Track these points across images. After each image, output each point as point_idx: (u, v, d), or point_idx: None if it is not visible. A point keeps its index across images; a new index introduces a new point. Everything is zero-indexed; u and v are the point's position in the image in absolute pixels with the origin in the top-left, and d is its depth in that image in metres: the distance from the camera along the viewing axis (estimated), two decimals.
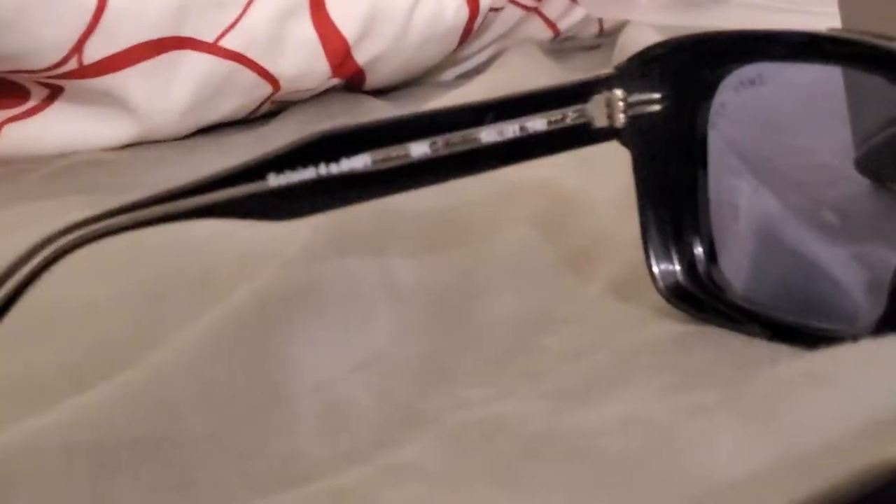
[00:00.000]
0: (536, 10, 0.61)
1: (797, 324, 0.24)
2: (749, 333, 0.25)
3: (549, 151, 0.26)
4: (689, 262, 0.26)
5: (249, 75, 0.50)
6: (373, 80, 0.56)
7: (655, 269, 0.26)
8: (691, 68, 0.25)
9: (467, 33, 0.57)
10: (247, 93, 0.51)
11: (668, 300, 0.26)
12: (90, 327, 0.27)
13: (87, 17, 0.45)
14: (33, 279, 0.21)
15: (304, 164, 0.23)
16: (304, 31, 0.51)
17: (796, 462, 0.18)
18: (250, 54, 0.49)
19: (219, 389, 0.24)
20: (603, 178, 0.36)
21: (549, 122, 0.25)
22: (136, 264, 0.30)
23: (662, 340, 0.25)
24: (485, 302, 0.29)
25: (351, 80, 0.55)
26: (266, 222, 0.31)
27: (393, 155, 0.24)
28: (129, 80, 0.47)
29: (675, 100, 0.25)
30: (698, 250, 0.26)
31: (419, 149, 0.24)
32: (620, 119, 0.26)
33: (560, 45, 0.64)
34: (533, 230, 0.32)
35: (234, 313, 0.26)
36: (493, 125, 0.25)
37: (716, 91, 0.25)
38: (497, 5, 0.58)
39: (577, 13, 0.63)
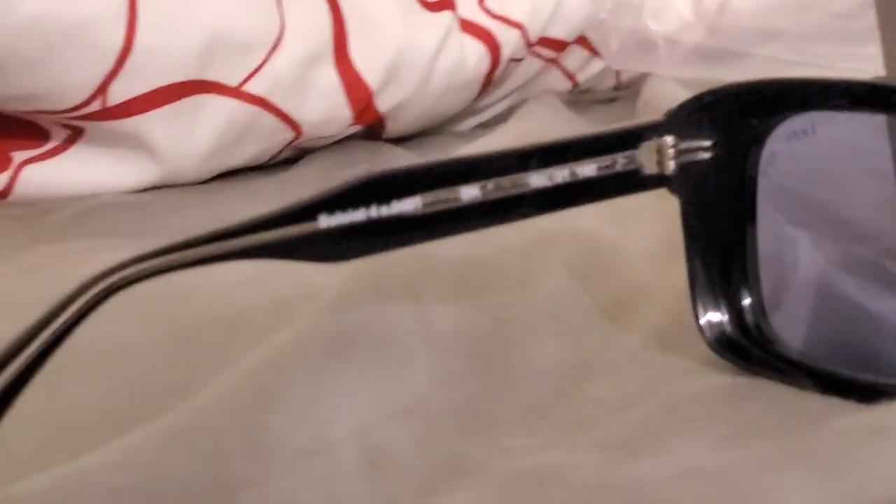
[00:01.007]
0: (556, 62, 0.61)
1: (851, 377, 0.24)
2: (801, 386, 0.24)
3: (598, 198, 0.25)
4: (737, 313, 0.26)
5: (272, 120, 0.50)
6: (393, 127, 0.55)
7: (703, 320, 0.26)
8: (743, 116, 0.25)
9: (488, 83, 0.57)
10: (269, 138, 0.50)
11: (716, 351, 0.26)
12: (124, 370, 0.27)
13: (113, 57, 0.45)
14: (81, 318, 0.21)
15: (356, 206, 0.23)
16: (328, 77, 0.51)
17: None
18: (273, 99, 0.49)
19: (262, 435, 0.23)
20: (635, 228, 0.35)
21: (599, 168, 0.25)
22: (166, 307, 0.30)
23: (711, 392, 0.25)
24: (523, 349, 0.28)
25: (371, 128, 0.55)
26: (306, 265, 0.31)
27: (443, 198, 0.24)
28: (152, 123, 0.47)
29: (725, 148, 0.25)
30: (747, 301, 0.26)
31: (470, 192, 0.24)
32: (670, 166, 0.25)
33: (578, 96, 0.64)
34: (569, 279, 0.31)
35: (274, 357, 0.25)
36: (543, 170, 0.24)
37: (767, 140, 0.25)
38: (517, 56, 0.58)
39: (596, 65, 0.63)
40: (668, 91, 0.51)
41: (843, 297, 0.26)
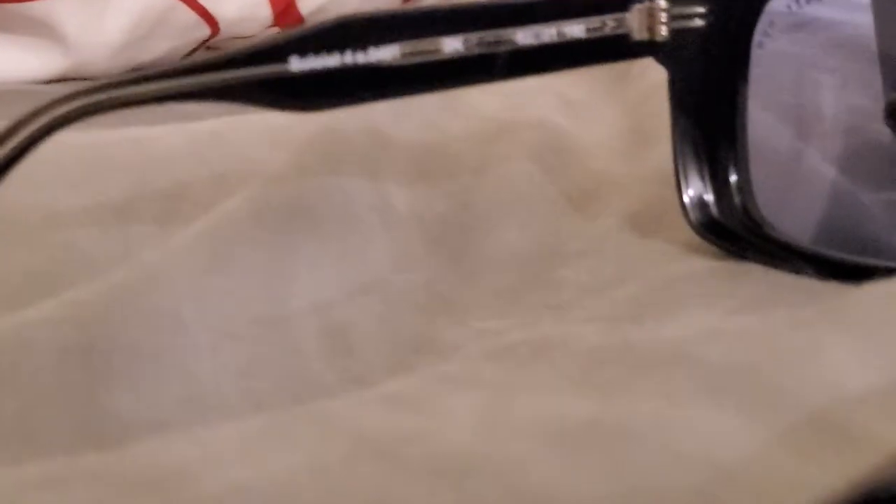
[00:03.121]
0: None
1: (850, 260, 0.22)
2: (794, 270, 0.23)
3: (584, 62, 0.23)
4: (725, 194, 0.24)
5: (188, 14, 0.47)
6: None
7: (687, 200, 0.24)
8: None
9: None
10: (184, 33, 0.47)
11: (700, 233, 0.24)
12: (54, 236, 0.24)
13: None
14: (31, 145, 0.18)
15: (329, 50, 0.21)
16: None
17: None
18: None
19: (219, 299, 0.21)
20: (590, 122, 0.34)
21: (588, 30, 0.23)
22: (98, 176, 0.27)
23: (701, 272, 0.23)
24: (485, 234, 0.26)
25: None
26: (246, 143, 0.29)
27: (423, 49, 0.21)
28: (61, 8, 0.43)
29: (721, 14, 0.23)
30: (734, 181, 0.24)
31: (452, 44, 0.22)
32: (661, 32, 0.23)
33: None
34: (530, 166, 0.29)
35: (228, 222, 0.23)
36: (530, 26, 0.22)
37: (765, 7, 0.23)
38: None
39: None
40: None
41: (829, 184, 0.24)
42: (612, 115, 0.34)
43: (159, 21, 0.46)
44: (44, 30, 0.44)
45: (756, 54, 0.24)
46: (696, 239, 0.24)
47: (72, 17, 0.44)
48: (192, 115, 0.31)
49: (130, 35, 0.46)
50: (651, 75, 0.34)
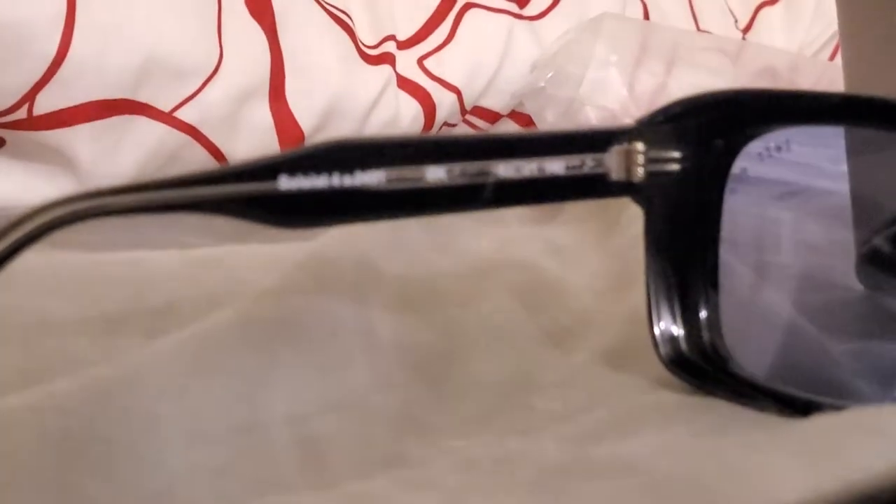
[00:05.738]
0: None
1: (803, 397, 0.23)
2: (759, 408, 0.23)
3: (563, 198, 0.24)
4: (694, 331, 0.25)
5: (200, 152, 0.48)
6: None
7: (657, 334, 0.25)
8: (716, 128, 0.24)
9: None
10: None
11: (669, 368, 0.25)
12: (45, 340, 0.25)
13: (45, 64, 0.43)
14: (24, 245, 0.19)
15: (318, 171, 0.22)
16: (261, 115, 0.50)
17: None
18: (204, 130, 0.48)
19: (197, 403, 0.22)
20: (575, 266, 0.35)
21: (567, 167, 0.24)
22: (91, 289, 0.28)
23: (667, 404, 0.24)
24: (465, 364, 0.27)
25: None
26: (240, 265, 0.30)
27: (408, 176, 0.23)
28: (77, 138, 0.45)
29: (695, 160, 0.25)
30: (705, 319, 0.25)
31: (436, 173, 0.23)
32: (638, 173, 0.25)
33: None
34: (512, 303, 0.30)
35: (214, 330, 0.24)
36: (511, 161, 0.23)
37: (738, 155, 0.25)
38: (451, 121, 0.57)
39: None
40: None
41: (797, 323, 0.25)
42: (598, 261, 0.35)
43: (172, 157, 0.48)
44: (58, 157, 0.46)
45: (729, 200, 0.25)
46: (667, 374, 0.25)
47: (88, 147, 0.45)
48: (190, 245, 0.32)
49: (143, 168, 0.47)
50: (637, 225, 0.36)
